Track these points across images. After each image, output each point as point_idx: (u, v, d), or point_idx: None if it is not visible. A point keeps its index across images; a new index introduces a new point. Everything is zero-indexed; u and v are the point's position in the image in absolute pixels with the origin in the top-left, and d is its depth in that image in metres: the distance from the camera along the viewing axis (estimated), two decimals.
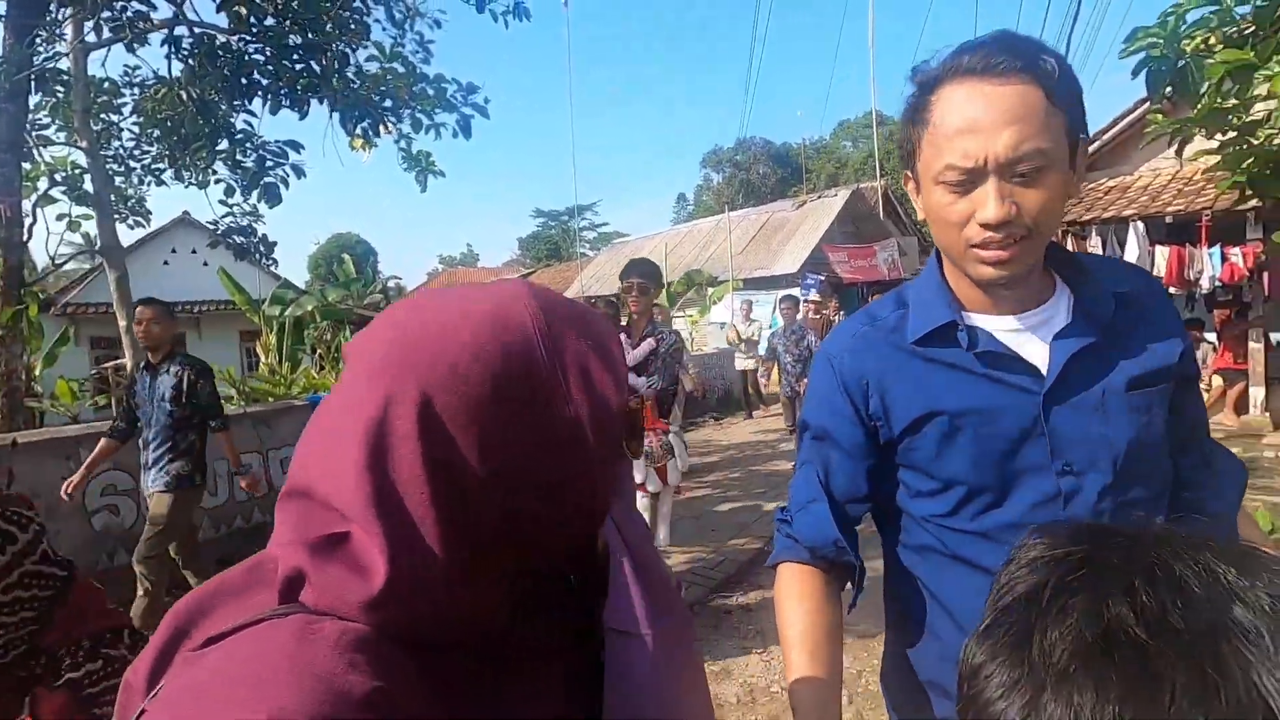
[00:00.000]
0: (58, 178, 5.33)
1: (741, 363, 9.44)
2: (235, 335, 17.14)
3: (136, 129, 5.35)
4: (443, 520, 0.43)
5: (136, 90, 4.96)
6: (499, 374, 0.44)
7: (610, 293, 22.07)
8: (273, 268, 6.53)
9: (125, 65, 5.08)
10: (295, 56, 4.16)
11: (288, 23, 3.97)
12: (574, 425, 0.46)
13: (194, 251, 16.52)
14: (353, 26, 4.46)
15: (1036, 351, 0.86)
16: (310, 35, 4.17)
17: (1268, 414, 7.33)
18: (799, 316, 7.57)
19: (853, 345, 0.94)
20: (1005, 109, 0.74)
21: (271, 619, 0.44)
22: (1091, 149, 8.98)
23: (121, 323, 5.73)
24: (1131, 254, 7.56)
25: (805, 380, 6.64)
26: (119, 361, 6.39)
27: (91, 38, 4.52)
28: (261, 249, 5.85)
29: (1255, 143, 3.67)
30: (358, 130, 4.76)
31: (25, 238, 4.73)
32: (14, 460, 3.83)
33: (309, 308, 10.94)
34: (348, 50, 4.48)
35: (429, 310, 0.48)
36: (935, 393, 0.88)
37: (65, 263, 6.04)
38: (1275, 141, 3.60)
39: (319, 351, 11.20)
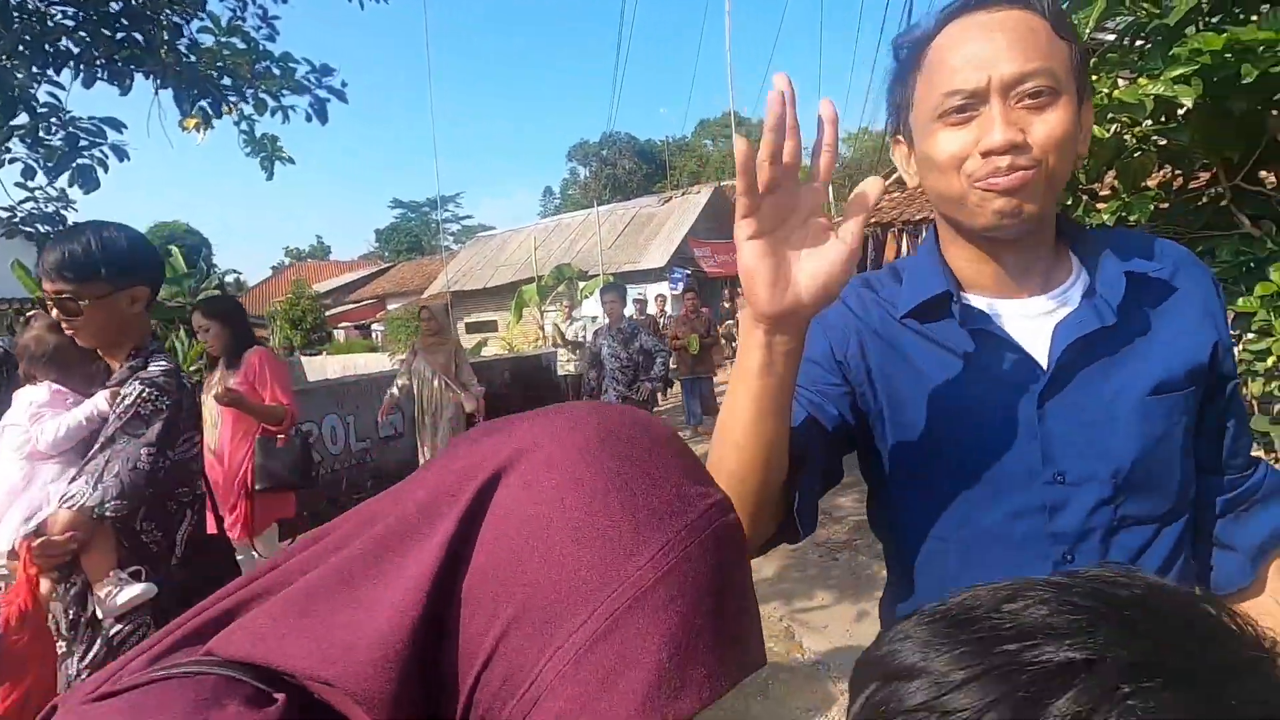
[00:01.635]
0: None
1: (564, 367, 8.08)
2: None
3: None
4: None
5: None
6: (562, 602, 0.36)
7: (477, 287, 21.35)
8: None
9: None
10: (118, 24, 3.67)
11: None
12: None
13: None
14: None
15: (1041, 343, 0.75)
16: (133, 2, 3.71)
17: None
18: (629, 312, 6.23)
19: (843, 304, 0.85)
20: (1008, 29, 0.69)
21: (182, 677, 0.38)
22: None
23: None
24: None
25: (640, 387, 5.57)
26: None
27: None
28: None
29: None
30: (195, 110, 4.30)
31: None
32: None
33: None
34: (180, 21, 4.03)
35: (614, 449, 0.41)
36: (922, 371, 0.78)
37: None
38: None
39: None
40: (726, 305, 13.73)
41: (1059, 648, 0.28)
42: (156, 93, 4.74)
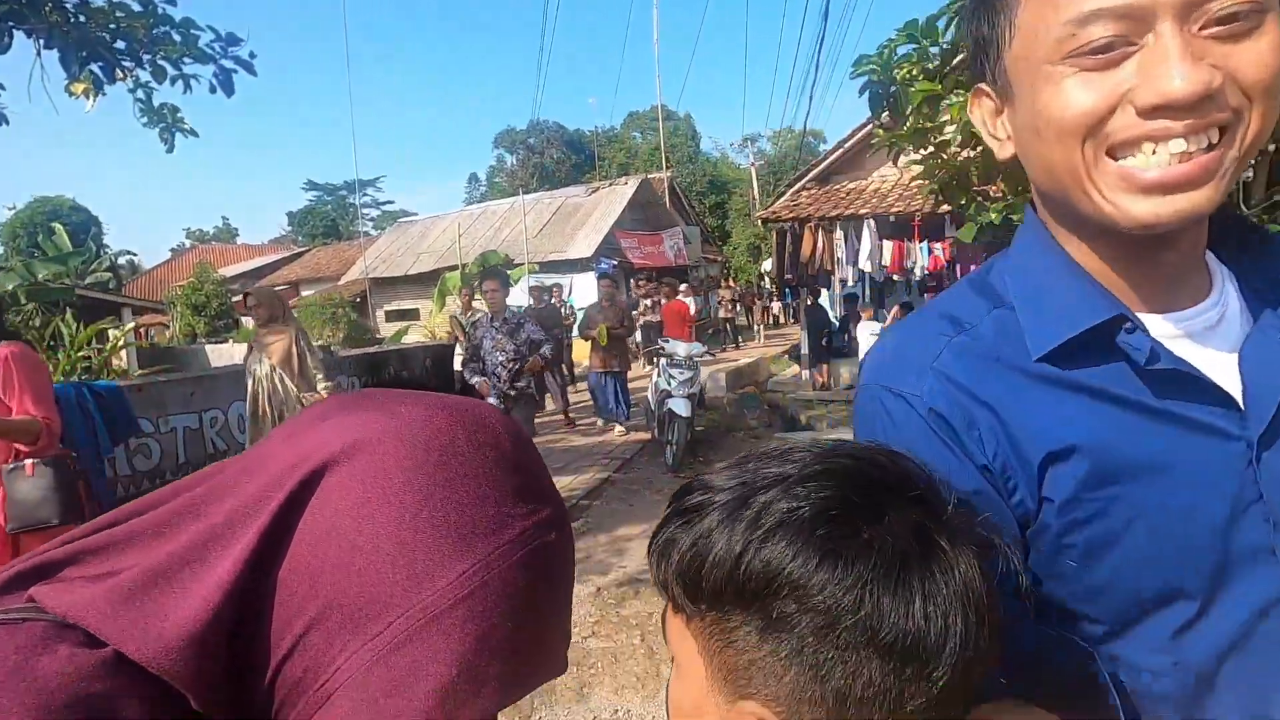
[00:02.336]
0: None
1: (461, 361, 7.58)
2: None
3: None
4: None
5: None
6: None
7: (398, 274, 20.72)
8: None
9: None
10: None
11: None
12: None
13: None
14: None
15: (1217, 372, 0.53)
16: None
17: None
18: (509, 300, 5.64)
19: (943, 365, 0.57)
20: None
21: (11, 623, 0.38)
22: (835, 155, 10.47)
23: None
24: (866, 246, 8.97)
25: (533, 360, 5.23)
26: None
27: None
28: None
29: (945, 158, 4.61)
30: (84, 73, 4.01)
31: None
32: None
33: (9, 286, 8.95)
34: None
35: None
36: (1087, 444, 0.53)
37: None
38: (959, 158, 4.55)
39: (25, 339, 9.23)
40: (635, 294, 13.24)
41: (782, 469, 0.42)
42: (39, 53, 4.39)
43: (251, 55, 4.59)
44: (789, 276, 10.02)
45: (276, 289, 4.79)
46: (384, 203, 46.13)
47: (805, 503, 0.39)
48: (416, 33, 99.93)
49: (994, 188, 5.03)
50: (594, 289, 9.34)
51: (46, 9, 3.68)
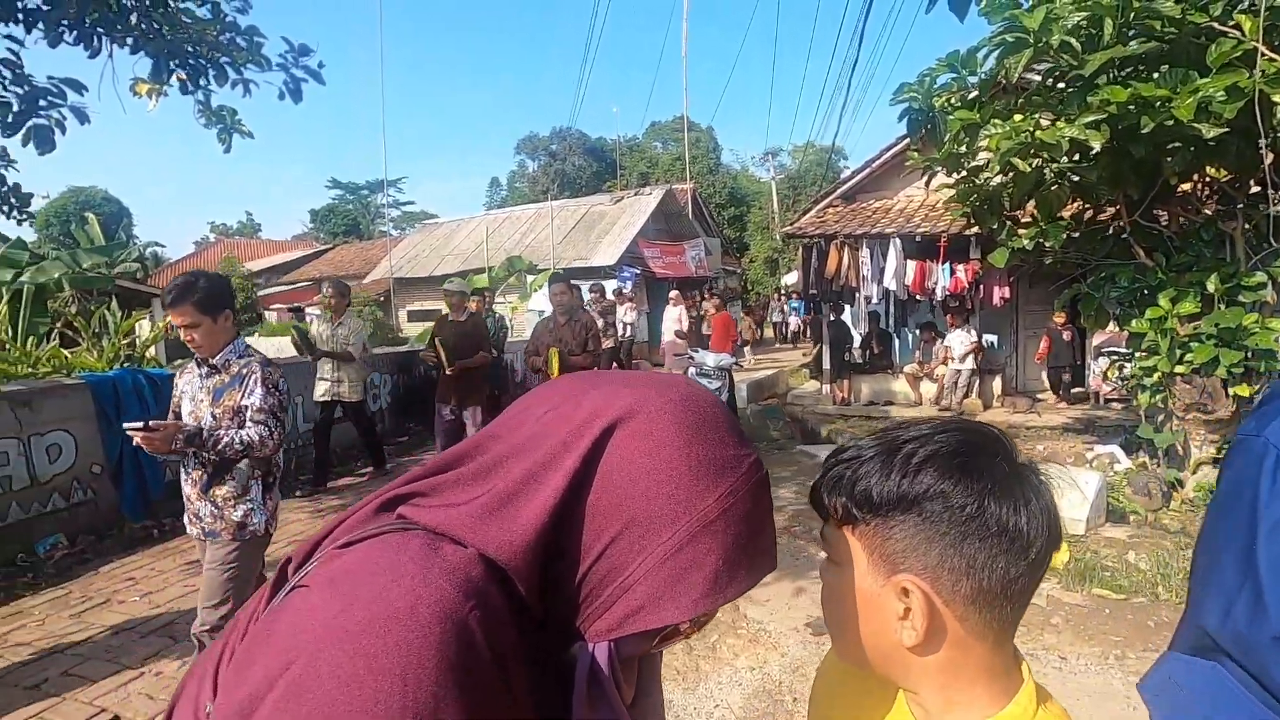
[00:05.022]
0: None
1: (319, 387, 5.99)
2: None
3: None
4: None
5: None
6: None
7: (422, 275, 20.76)
8: (27, 224, 5.50)
9: None
10: None
11: None
12: None
13: None
14: None
15: None
16: None
17: (980, 398, 9.25)
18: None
19: None
20: None
21: (400, 530, 0.53)
22: (863, 174, 10.58)
23: None
24: (891, 264, 9.07)
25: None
26: None
27: None
28: (13, 200, 4.96)
29: (978, 183, 4.74)
30: (171, 79, 4.23)
31: None
32: None
33: (56, 274, 9.23)
34: None
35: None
36: None
37: None
38: (991, 183, 4.69)
39: (66, 323, 9.50)
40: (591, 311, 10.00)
41: (916, 432, 0.60)
42: (111, 55, 4.63)
43: (320, 65, 4.80)
44: (813, 291, 10.13)
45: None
46: (405, 203, 46.63)
47: (942, 445, 0.58)
48: (441, 35, 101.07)
49: (1024, 213, 5.16)
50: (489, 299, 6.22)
51: (133, 17, 3.90)
